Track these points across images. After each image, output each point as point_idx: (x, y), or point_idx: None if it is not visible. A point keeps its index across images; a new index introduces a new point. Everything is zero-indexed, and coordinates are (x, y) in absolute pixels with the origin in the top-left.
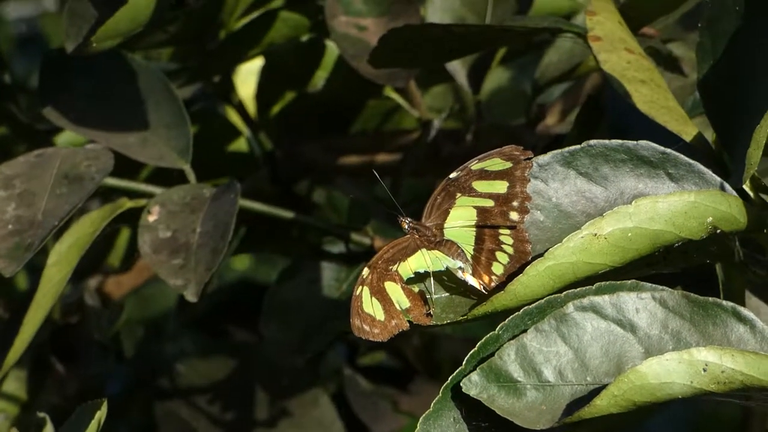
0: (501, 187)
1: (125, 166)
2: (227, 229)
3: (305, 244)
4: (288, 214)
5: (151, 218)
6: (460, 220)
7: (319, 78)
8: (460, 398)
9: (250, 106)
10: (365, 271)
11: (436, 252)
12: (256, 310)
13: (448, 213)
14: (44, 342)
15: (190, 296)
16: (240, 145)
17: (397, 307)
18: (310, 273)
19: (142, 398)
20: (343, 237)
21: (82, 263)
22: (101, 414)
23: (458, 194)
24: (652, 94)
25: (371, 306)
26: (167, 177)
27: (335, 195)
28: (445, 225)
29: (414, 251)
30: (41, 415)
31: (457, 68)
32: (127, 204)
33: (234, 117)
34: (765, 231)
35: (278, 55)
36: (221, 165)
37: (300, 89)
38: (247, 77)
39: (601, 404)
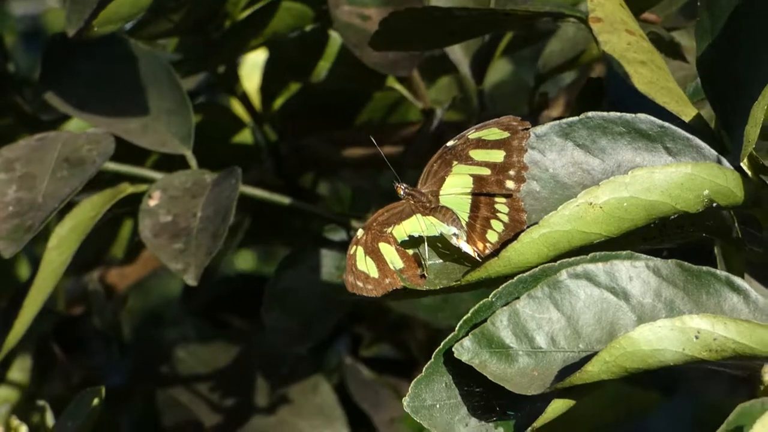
0: (498, 156)
1: (129, 154)
2: (228, 214)
3: (308, 235)
4: (287, 200)
5: (152, 203)
6: (456, 187)
7: (323, 68)
8: (452, 363)
9: (255, 100)
10: (359, 232)
11: (430, 218)
12: (258, 301)
13: (444, 180)
14: (48, 333)
15: (190, 280)
16: (245, 137)
17: (391, 267)
18: (311, 261)
19: (144, 386)
20: (344, 224)
21: (85, 254)
22: (99, 401)
23: (455, 162)
24: (651, 75)
25: (365, 264)
26: (170, 165)
27: (339, 186)
28: (441, 192)
29: (409, 216)
30: (41, 402)
31: (461, 58)
32: (128, 189)
33: (239, 109)
34: (762, 208)
35: (282, 46)
36: (226, 157)
37: (304, 80)
38: (252, 71)
39: (593, 370)
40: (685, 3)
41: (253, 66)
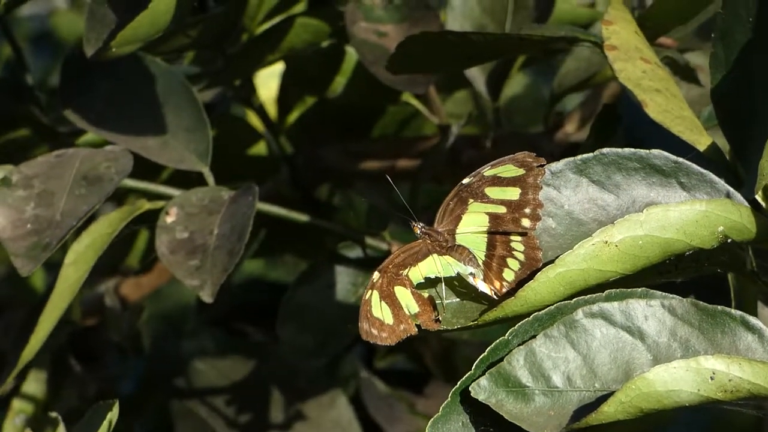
0: (513, 193)
1: (145, 168)
2: (244, 231)
3: (324, 249)
4: (304, 218)
5: (169, 219)
6: (472, 225)
7: (339, 84)
8: (468, 402)
9: (271, 109)
10: (375, 275)
11: (447, 257)
12: (272, 310)
13: (461, 219)
14: (64, 344)
15: (206, 297)
16: (260, 149)
17: (406, 312)
18: (327, 277)
19: (159, 396)
20: (359, 242)
21: (102, 264)
22: (113, 415)
23: (471, 200)
24: (666, 104)
25: (380, 310)
26: (186, 180)
27: (355, 198)
28: (457, 230)
29: (425, 256)
30: (53, 415)
31: (476, 75)
32: (146, 205)
33: (254, 120)
34: None
35: (299, 61)
36: (241, 168)
37: (320, 94)
38: (267, 80)
39: (609, 411)
40: (701, 24)
41: (269, 75)
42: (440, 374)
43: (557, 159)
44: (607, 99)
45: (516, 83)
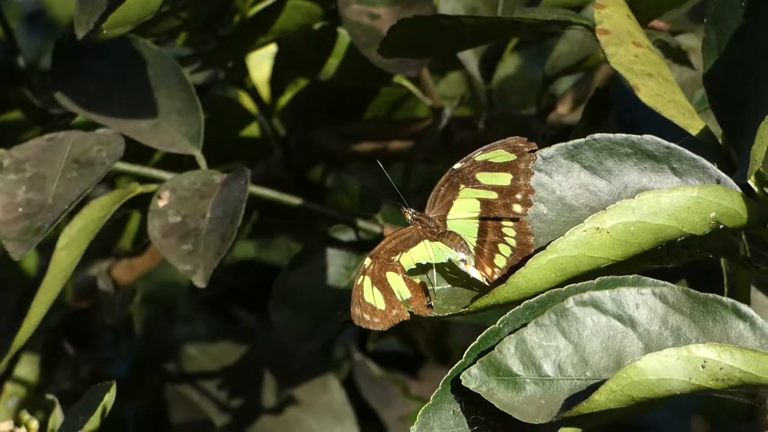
0: (505, 179)
1: (136, 152)
2: (237, 215)
3: (316, 231)
4: (296, 201)
5: (161, 203)
6: (463, 211)
7: (331, 65)
8: (460, 391)
9: (263, 91)
10: (367, 261)
11: (438, 243)
12: (264, 292)
13: (452, 204)
14: (56, 326)
15: (199, 282)
16: (253, 130)
17: (398, 297)
18: (319, 260)
19: (152, 379)
20: (352, 225)
21: (94, 247)
22: (110, 397)
23: (462, 186)
24: (658, 88)
25: (372, 295)
26: (178, 163)
27: (348, 180)
28: (449, 216)
29: (416, 242)
30: (50, 397)
31: (469, 57)
32: (138, 189)
33: (247, 102)
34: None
35: (291, 43)
36: (234, 150)
37: (312, 76)
38: (260, 61)
39: (600, 399)
40: (693, 6)
41: (262, 56)
42: (433, 357)
43: (550, 141)
44: (600, 81)
45: (509, 65)
